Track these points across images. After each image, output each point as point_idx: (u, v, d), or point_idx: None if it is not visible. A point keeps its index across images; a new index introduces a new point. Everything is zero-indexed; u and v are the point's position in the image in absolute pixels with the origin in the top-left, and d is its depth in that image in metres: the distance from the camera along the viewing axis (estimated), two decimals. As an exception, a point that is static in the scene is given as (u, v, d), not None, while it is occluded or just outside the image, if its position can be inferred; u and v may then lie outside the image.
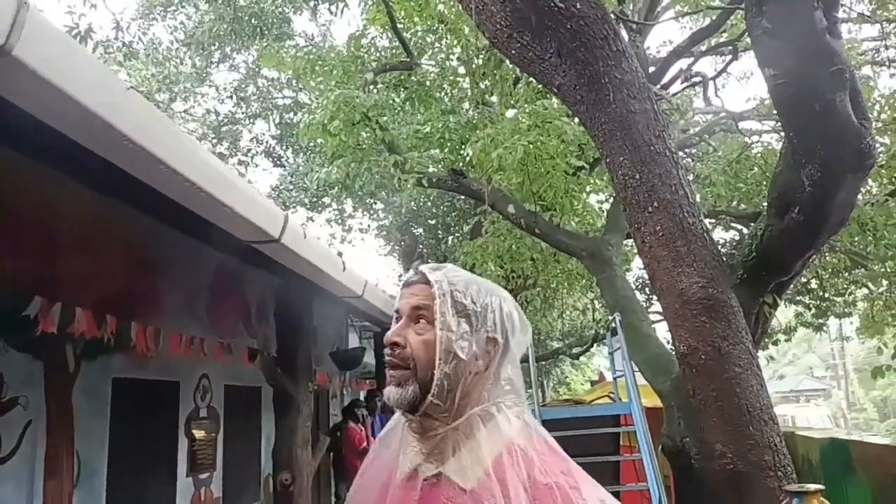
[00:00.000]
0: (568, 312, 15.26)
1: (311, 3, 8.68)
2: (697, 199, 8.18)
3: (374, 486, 1.10)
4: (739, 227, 8.95)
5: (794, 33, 3.37)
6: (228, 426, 6.44)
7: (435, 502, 0.99)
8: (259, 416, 7.13)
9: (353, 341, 10.79)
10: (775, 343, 14.59)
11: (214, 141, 16.14)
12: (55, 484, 4.29)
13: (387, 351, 1.06)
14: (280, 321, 4.81)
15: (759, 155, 7.62)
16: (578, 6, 3.99)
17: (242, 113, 14.82)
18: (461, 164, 7.15)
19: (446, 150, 7.28)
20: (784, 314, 14.21)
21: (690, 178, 11.05)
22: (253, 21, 11.33)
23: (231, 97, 14.45)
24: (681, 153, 10.28)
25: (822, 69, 3.27)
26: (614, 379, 6.63)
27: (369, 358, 9.93)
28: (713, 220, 10.42)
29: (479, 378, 1.07)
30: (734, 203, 8.58)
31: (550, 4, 4.00)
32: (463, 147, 6.87)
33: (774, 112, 4.96)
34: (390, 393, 1.04)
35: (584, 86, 4.16)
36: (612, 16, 8.58)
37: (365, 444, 6.94)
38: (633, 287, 8.78)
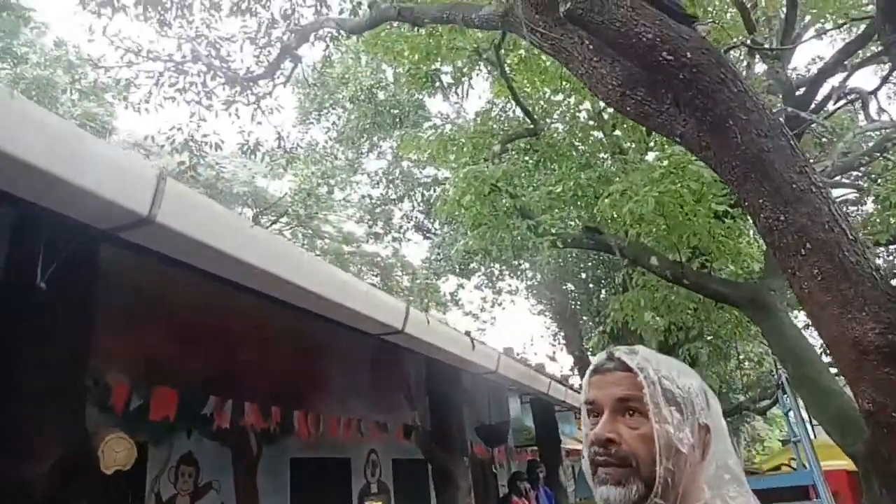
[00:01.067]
0: (747, 363, 13.94)
1: (440, 89, 9.27)
2: (866, 231, 7.29)
3: None
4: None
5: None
6: (399, 499, 6.65)
7: None
8: (428, 488, 7.28)
9: (515, 407, 10.72)
10: None
11: (370, 223, 17.45)
12: None
13: (597, 449, 1.01)
14: (433, 397, 4.97)
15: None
16: (689, 56, 3.87)
17: (392, 194, 15.90)
18: (597, 220, 7.04)
19: (580, 208, 7.22)
20: None
21: (869, 200, 9.85)
22: (393, 111, 12.31)
23: (381, 182, 15.59)
24: (843, 177, 9.25)
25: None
26: (793, 443, 5.87)
27: (528, 422, 9.78)
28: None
29: (697, 469, 1.01)
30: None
31: (659, 59, 3.93)
32: (597, 203, 6.78)
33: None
34: (610, 494, 0.99)
35: (708, 132, 3.97)
36: (743, 46, 8.16)
37: (528, 516, 6.77)
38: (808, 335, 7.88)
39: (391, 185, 15.63)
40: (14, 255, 1.75)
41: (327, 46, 10.10)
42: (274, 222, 17.68)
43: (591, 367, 1.10)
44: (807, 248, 3.67)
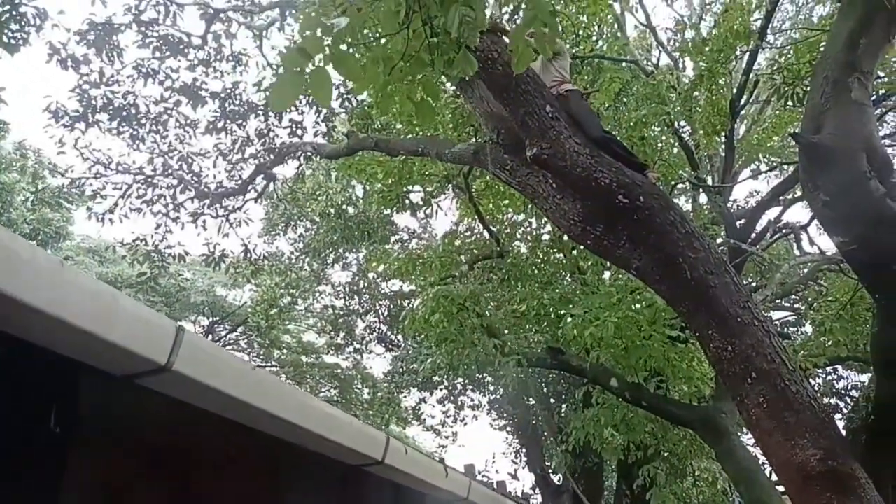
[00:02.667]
0: (702, 482, 13.98)
1: (409, 209, 9.78)
2: (806, 353, 7.78)
3: None
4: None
5: (852, 203, 3.54)
6: None
7: None
8: None
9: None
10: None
11: (332, 333, 17.39)
12: None
13: None
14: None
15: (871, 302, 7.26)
16: (642, 199, 4.37)
17: (357, 306, 16.03)
18: (560, 340, 7.36)
19: (543, 327, 7.55)
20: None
21: (807, 324, 10.51)
22: (361, 226, 12.73)
23: (345, 293, 15.76)
24: (781, 302, 9.91)
25: (889, 234, 3.37)
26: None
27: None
28: (842, 366, 9.68)
29: None
30: (861, 346, 8.03)
31: (616, 201, 4.42)
32: (559, 323, 7.12)
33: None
34: None
35: (661, 267, 4.40)
36: (688, 181, 8.96)
37: None
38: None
39: (356, 297, 15.80)
40: (28, 398, 1.87)
41: (300, 165, 10.62)
42: (231, 331, 17.47)
43: None
44: (752, 377, 4.02)
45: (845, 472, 3.59)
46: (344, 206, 12.42)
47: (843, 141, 3.60)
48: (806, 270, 9.39)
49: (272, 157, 8.98)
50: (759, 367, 3.98)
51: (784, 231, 8.68)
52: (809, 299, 9.80)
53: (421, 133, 7.47)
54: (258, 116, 9.47)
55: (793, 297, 10.89)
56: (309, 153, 8.54)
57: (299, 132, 9.39)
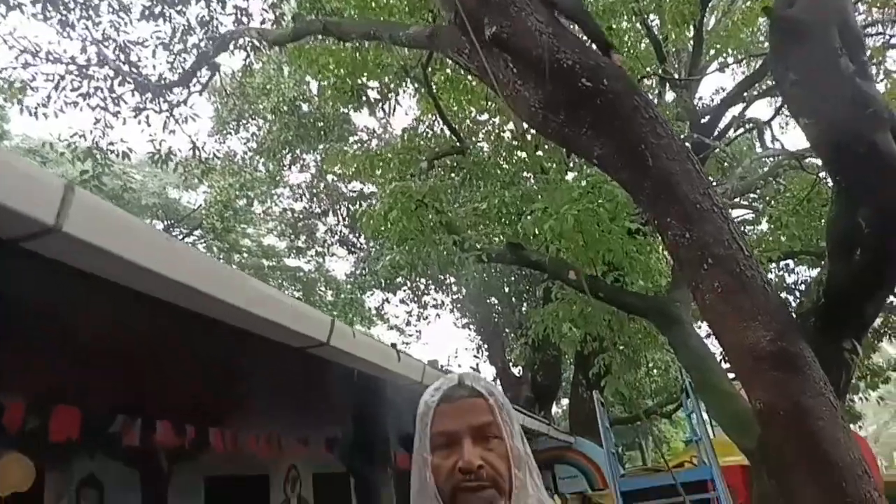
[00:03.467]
0: (655, 370, 14.70)
1: (366, 105, 9.32)
2: (764, 245, 7.92)
3: None
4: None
5: (822, 82, 3.39)
6: (319, 514, 6.55)
7: None
8: (350, 501, 7.21)
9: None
10: (885, 382, 13.48)
11: (293, 237, 17.13)
12: None
13: (465, 477, 1.04)
14: (356, 409, 4.97)
15: (831, 188, 7.35)
16: (606, 82, 4.15)
17: (316, 208, 15.70)
18: (519, 236, 7.30)
19: (504, 225, 7.47)
20: (892, 349, 13.14)
21: (763, 221, 10.71)
22: (317, 124, 12.20)
23: (304, 195, 15.37)
24: (741, 198, 10.01)
25: (857, 113, 3.26)
26: (695, 442, 6.33)
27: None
28: (794, 260, 9.98)
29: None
30: (814, 241, 8.23)
31: (578, 84, 4.19)
32: (520, 220, 7.03)
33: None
34: None
35: (622, 154, 4.26)
36: (655, 76, 8.71)
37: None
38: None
39: (315, 199, 15.44)
40: None
41: (248, 56, 9.91)
42: (187, 235, 17.02)
43: (436, 396, 1.12)
44: (709, 262, 4.00)
45: (794, 351, 3.66)
46: (297, 103, 11.82)
47: (816, 14, 3.40)
48: (766, 168, 9.45)
49: (215, 44, 8.32)
50: (715, 253, 3.96)
51: (747, 126, 8.60)
52: (767, 197, 9.93)
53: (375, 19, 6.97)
54: (200, 2, 8.69)
55: (751, 195, 11.03)
56: (254, 39, 7.92)
57: (245, 20, 8.69)
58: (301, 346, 2.46)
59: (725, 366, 5.77)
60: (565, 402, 22.01)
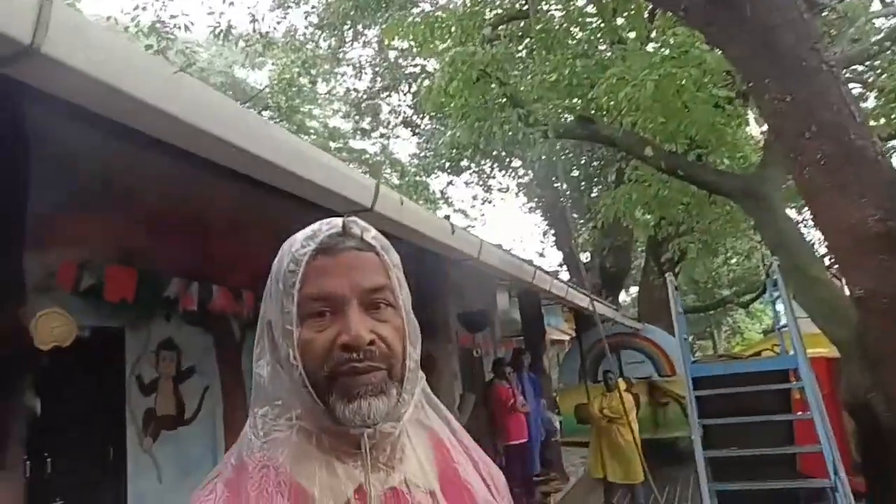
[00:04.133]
0: (734, 258, 14.08)
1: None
2: (872, 122, 7.02)
3: None
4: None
5: None
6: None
7: None
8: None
9: (503, 301, 10.84)
10: None
11: (357, 118, 16.87)
12: (235, 439, 4.88)
13: (351, 356, 0.77)
14: (417, 285, 4.89)
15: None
16: (701, -88, 3.50)
17: (379, 86, 15.23)
18: (591, 110, 6.72)
19: (575, 97, 6.86)
20: None
21: (871, 96, 9.52)
22: (377, -7, 11.46)
23: (366, 73, 14.88)
24: (848, 71, 8.86)
25: None
26: (778, 330, 5.96)
27: (516, 315, 9.92)
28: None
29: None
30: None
31: (668, -84, 3.55)
32: (592, 92, 6.44)
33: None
34: (373, 407, 0.77)
35: (715, 3, 3.66)
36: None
37: (512, 400, 6.96)
38: (805, 225, 7.85)
39: (377, 77, 14.93)
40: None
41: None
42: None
43: (310, 246, 0.81)
44: (812, 130, 3.48)
45: (905, 233, 3.21)
46: (357, -31, 11.05)
47: None
48: (882, 34, 8.21)
49: None
50: (821, 119, 3.43)
51: (866, -23, 7.37)
52: (879, 69, 8.73)
53: None
54: None
55: (859, 67, 9.76)
56: None
57: None
58: (343, 210, 2.26)
59: (818, 251, 5.28)
60: (634, 290, 21.78)
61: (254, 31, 9.67)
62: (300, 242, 0.83)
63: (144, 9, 8.85)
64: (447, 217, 3.18)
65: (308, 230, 0.85)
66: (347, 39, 13.83)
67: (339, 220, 0.85)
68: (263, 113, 16.88)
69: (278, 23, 12.21)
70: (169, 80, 1.35)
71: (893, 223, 3.26)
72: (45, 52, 1.10)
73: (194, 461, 4.65)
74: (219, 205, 3.73)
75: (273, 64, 12.96)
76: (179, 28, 8.95)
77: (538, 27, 7.65)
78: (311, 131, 18.04)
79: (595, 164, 13.85)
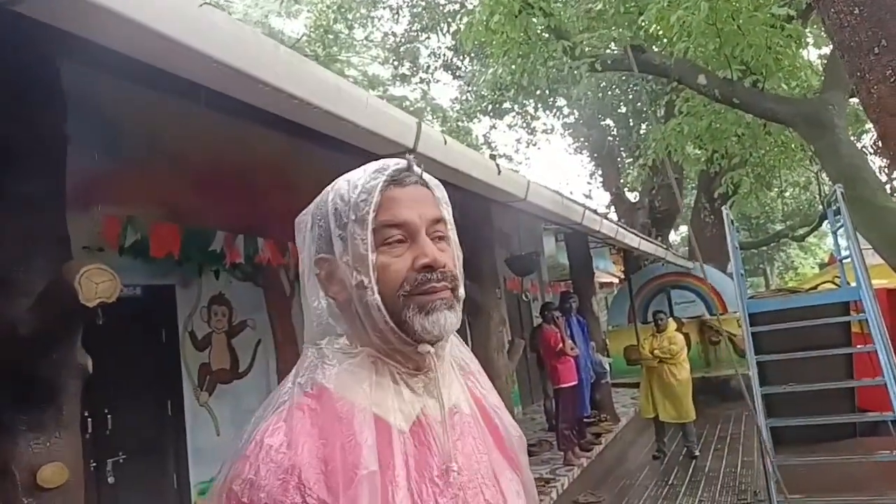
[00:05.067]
0: (789, 191, 13.48)
1: None
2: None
3: (362, 465, 0.74)
4: None
5: None
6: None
7: (466, 437, 0.86)
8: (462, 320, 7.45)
9: (550, 245, 10.73)
10: None
11: (396, 63, 16.59)
12: None
13: (431, 275, 0.82)
14: (459, 228, 4.85)
15: None
16: None
17: (416, 28, 14.87)
18: (641, 38, 6.38)
19: (623, 27, 6.52)
20: None
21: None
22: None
23: (402, 15, 14.52)
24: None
25: None
26: (840, 261, 5.69)
27: (563, 259, 9.82)
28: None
29: None
30: None
31: None
32: (641, 18, 6.10)
33: None
34: (448, 320, 0.83)
35: None
36: None
37: (561, 344, 6.94)
38: (866, 152, 7.38)
39: (415, 19, 14.55)
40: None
41: None
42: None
43: (380, 179, 0.84)
44: (882, 45, 3.22)
45: None
46: None
47: None
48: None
49: None
50: (891, 32, 3.16)
51: None
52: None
53: None
54: None
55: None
56: None
57: None
58: (386, 153, 2.21)
59: (883, 179, 4.97)
60: (683, 229, 21.21)
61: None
62: (369, 175, 0.86)
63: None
64: (493, 157, 3.09)
65: (370, 165, 0.88)
66: (384, -23, 13.50)
67: (402, 160, 0.89)
68: (302, 63, 16.80)
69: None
70: (198, 16, 1.31)
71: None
72: None
73: (250, 413, 4.83)
74: (261, 156, 3.73)
75: (308, 12, 12.76)
76: (214, -22, 8.83)
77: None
78: (350, 79, 17.87)
79: (643, 98, 13.31)
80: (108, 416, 3.90)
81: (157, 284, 4.22)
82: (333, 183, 0.89)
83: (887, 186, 4.74)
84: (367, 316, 0.82)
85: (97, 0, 1.11)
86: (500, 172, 3.02)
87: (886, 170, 7.47)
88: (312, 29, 12.61)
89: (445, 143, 2.40)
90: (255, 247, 4.34)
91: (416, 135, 2.15)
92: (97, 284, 1.56)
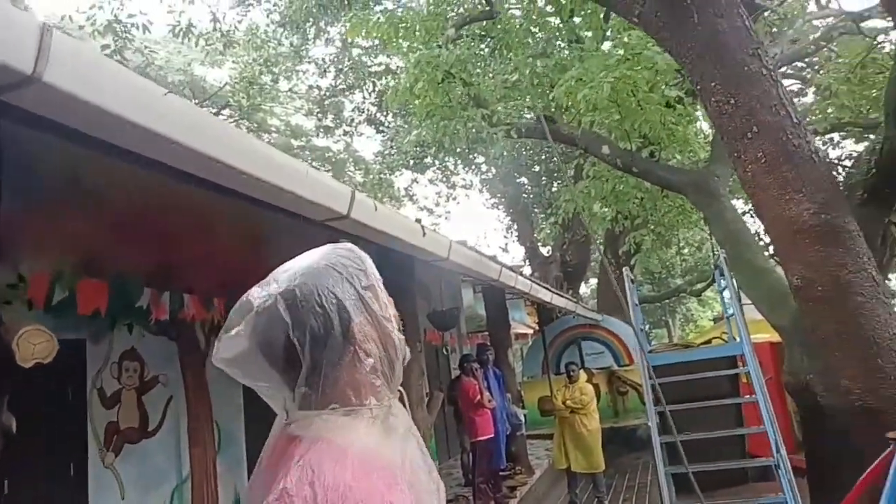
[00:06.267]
0: (686, 249, 14.56)
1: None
2: (810, 117, 7.42)
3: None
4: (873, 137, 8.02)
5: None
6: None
7: None
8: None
9: (468, 296, 10.99)
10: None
11: (320, 115, 16.78)
12: (199, 451, 4.81)
13: None
14: (388, 285, 4.99)
15: (888, 54, 6.71)
16: (649, -74, 3.70)
17: (342, 84, 15.20)
18: (552, 109, 6.93)
19: (535, 97, 7.07)
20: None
21: (810, 92, 10.00)
22: (340, -8, 11.48)
23: (329, 71, 14.84)
24: (788, 68, 9.29)
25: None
26: (727, 319, 6.29)
27: (481, 310, 10.09)
28: (841, 133, 9.42)
29: None
30: (864, 111, 7.68)
31: (619, -72, 3.74)
32: (552, 92, 6.65)
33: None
34: None
35: (666, 10, 3.89)
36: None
37: (479, 396, 7.10)
38: (751, 216, 8.19)
39: (340, 75, 14.90)
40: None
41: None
42: (215, 114, 16.75)
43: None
44: (753, 131, 3.73)
45: (837, 225, 3.48)
46: (318, -32, 11.07)
47: None
48: (819, 33, 8.66)
49: None
50: (761, 120, 3.68)
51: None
52: (817, 66, 9.20)
53: None
54: None
55: (798, 64, 10.25)
56: None
57: None
58: (321, 218, 2.37)
59: (762, 242, 5.59)
60: (594, 281, 22.21)
61: (214, 29, 9.55)
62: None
63: (101, 8, 8.66)
64: (418, 220, 3.31)
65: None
66: (310, 37, 13.79)
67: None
68: (223, 111, 16.67)
69: (239, 21, 12.09)
70: (162, 103, 1.44)
71: (827, 216, 3.52)
72: (48, 81, 1.18)
73: (158, 475, 4.58)
74: (192, 213, 3.76)
75: (234, 62, 12.82)
76: (138, 28, 8.79)
77: (500, 27, 7.84)
78: (273, 129, 17.86)
79: (554, 159, 14.14)
80: (4, 480, 3.67)
81: (66, 339, 4.06)
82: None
83: (766, 252, 5.34)
84: (388, 373, 1.03)
85: (73, 91, 1.23)
86: (424, 234, 3.23)
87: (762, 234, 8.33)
88: (237, 80, 12.65)
89: (376, 209, 2.59)
90: (180, 302, 4.28)
91: (350, 202, 2.33)
92: (34, 345, 1.59)
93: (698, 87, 4.01)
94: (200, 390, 5.02)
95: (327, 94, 15.72)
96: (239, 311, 0.97)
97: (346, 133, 17.00)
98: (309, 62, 14.95)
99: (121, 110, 1.31)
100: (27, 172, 2.88)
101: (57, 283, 3.35)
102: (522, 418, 8.93)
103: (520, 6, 9.35)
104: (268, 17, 13.27)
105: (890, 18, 7.94)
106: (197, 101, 16.00)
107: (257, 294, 0.98)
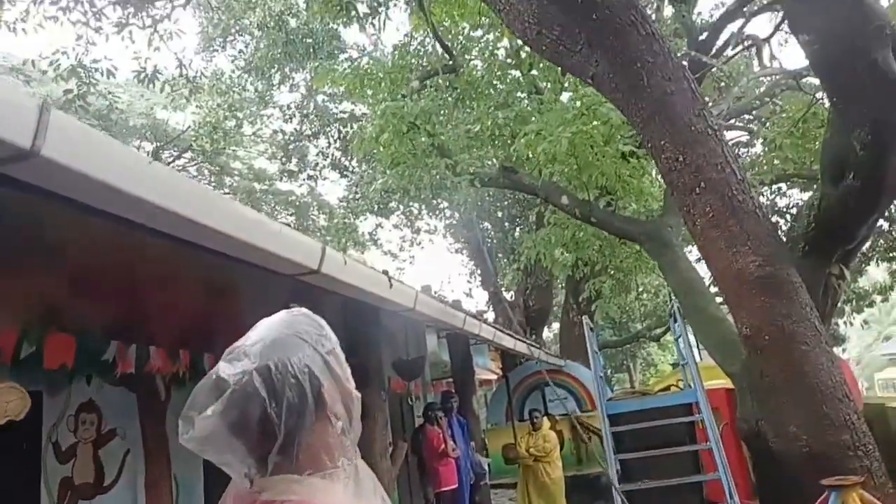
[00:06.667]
0: (645, 294, 14.91)
1: (356, 19, 8.91)
2: (758, 168, 7.82)
3: None
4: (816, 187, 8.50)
5: (828, -4, 3.23)
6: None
7: None
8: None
9: (432, 343, 10.95)
10: (870, 305, 13.80)
11: (284, 160, 16.85)
12: None
13: None
14: (349, 335, 5.00)
15: (827, 109, 7.19)
16: (602, -5, 3.96)
17: (307, 130, 15.35)
18: (513, 159, 7.17)
19: (497, 147, 7.32)
20: (878, 273, 13.41)
21: (758, 143, 10.57)
22: (305, 41, 11.74)
23: (294, 116, 14.99)
24: (737, 120, 9.81)
25: (860, 28, 3.12)
26: (682, 366, 6.48)
27: (445, 356, 10.09)
28: (787, 183, 9.93)
29: None
30: (807, 163, 8.14)
31: (573, -2, 3.99)
32: (514, 142, 6.90)
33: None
34: None
35: (618, 73, 4.12)
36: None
37: (443, 445, 7.05)
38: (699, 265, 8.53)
39: (305, 121, 15.07)
40: None
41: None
42: (177, 157, 16.68)
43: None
44: (701, 186, 3.95)
45: (781, 277, 3.68)
46: (285, 17, 11.32)
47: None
48: (763, 88, 9.23)
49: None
50: (708, 177, 3.91)
51: (746, 44, 8.31)
52: (763, 118, 9.76)
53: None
54: None
55: (746, 116, 10.85)
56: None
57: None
58: (292, 273, 2.42)
59: (714, 290, 5.82)
60: (556, 326, 22.46)
61: (181, 75, 9.63)
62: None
63: (65, 53, 8.66)
64: (385, 272, 3.38)
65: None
66: (275, 83, 13.97)
67: None
68: (185, 154, 16.60)
69: (205, 68, 12.21)
70: (146, 171, 1.52)
71: (771, 268, 3.72)
72: (46, 155, 1.25)
73: None
74: (162, 266, 3.76)
75: (197, 106, 12.88)
76: (102, 73, 8.81)
77: (463, 79, 8.12)
78: (236, 172, 17.83)
79: (517, 206, 14.46)
80: (-52, 543, 3.50)
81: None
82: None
83: (717, 300, 5.56)
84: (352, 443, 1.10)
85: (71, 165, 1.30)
86: (391, 286, 3.30)
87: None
88: (201, 125, 12.69)
89: (346, 263, 2.66)
90: (146, 355, 4.22)
91: (321, 257, 2.41)
92: (7, 403, 1.59)
93: (649, 145, 4.23)
94: (160, 443, 4.88)
95: (292, 138, 15.84)
96: (211, 390, 0.95)
97: (310, 177, 17.08)
98: (274, 107, 15.12)
99: (110, 179, 1.38)
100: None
101: (25, 338, 3.29)
102: (486, 467, 8.85)
103: (481, 58, 9.71)
104: (232, 62, 13.46)
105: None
106: (159, 143, 15.96)
107: (230, 371, 0.95)
